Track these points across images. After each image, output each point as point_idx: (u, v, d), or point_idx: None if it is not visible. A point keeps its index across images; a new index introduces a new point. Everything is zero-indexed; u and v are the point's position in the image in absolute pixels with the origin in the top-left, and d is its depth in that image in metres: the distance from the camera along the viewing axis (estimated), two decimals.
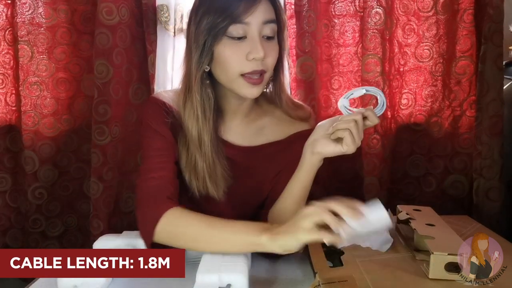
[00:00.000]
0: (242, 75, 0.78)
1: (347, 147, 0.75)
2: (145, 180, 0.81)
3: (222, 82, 0.82)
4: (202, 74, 0.81)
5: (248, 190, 0.89)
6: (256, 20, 0.76)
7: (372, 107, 0.78)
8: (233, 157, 0.87)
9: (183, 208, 0.77)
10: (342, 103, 0.79)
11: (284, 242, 0.67)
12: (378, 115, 0.78)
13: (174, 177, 0.83)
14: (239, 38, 0.77)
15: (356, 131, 0.74)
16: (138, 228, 0.80)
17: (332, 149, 0.77)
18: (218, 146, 0.84)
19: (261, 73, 0.78)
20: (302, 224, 0.65)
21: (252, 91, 0.79)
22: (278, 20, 0.81)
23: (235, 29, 0.77)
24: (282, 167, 0.89)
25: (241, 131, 0.89)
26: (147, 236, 0.77)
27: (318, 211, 0.65)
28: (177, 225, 0.76)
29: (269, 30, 0.78)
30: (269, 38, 0.79)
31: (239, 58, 0.77)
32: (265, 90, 0.87)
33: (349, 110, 0.78)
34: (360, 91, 0.81)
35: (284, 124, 0.91)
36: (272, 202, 0.87)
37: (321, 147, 0.78)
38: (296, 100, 0.95)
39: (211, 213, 0.86)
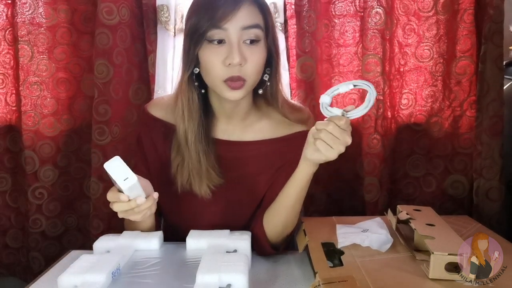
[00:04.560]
0: (224, 81, 0.79)
1: (325, 156, 0.72)
2: None
3: (208, 84, 0.84)
4: (189, 76, 0.83)
5: (241, 190, 0.89)
6: (234, 26, 0.77)
7: (353, 106, 0.72)
8: (225, 153, 0.88)
9: None
10: (323, 100, 0.72)
11: None
12: (363, 113, 0.71)
13: None
14: (219, 43, 0.78)
15: (330, 139, 0.70)
16: None
17: (316, 157, 0.73)
18: (207, 146, 0.86)
19: (239, 79, 0.78)
20: None
21: (234, 95, 0.80)
22: (265, 24, 0.81)
23: (214, 34, 0.78)
24: (277, 167, 0.89)
25: (236, 131, 0.90)
26: None
27: None
28: None
29: (250, 35, 0.78)
30: (252, 43, 0.79)
31: (218, 62, 0.78)
32: (260, 92, 0.87)
33: (328, 109, 0.72)
34: (347, 86, 0.72)
35: (282, 125, 0.91)
36: (269, 202, 0.86)
37: (309, 154, 0.74)
38: (294, 102, 0.95)
39: (193, 209, 0.89)
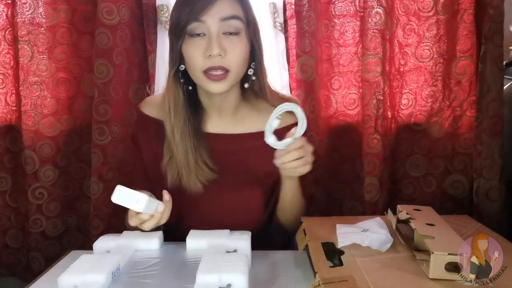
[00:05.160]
0: (204, 72, 0.80)
1: (296, 174, 0.81)
2: None
3: (193, 79, 0.85)
4: (175, 73, 0.85)
5: (241, 183, 0.90)
6: (212, 18, 0.79)
7: (293, 129, 0.77)
8: (219, 147, 0.89)
9: None
10: (268, 141, 0.79)
11: None
12: (302, 132, 0.77)
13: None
14: (199, 35, 0.80)
15: (293, 165, 0.77)
16: None
17: (290, 174, 0.82)
18: (196, 141, 0.87)
19: (222, 69, 0.80)
20: None
21: (216, 87, 0.81)
22: (246, 16, 0.83)
23: (193, 27, 0.80)
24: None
25: (228, 126, 0.92)
26: None
27: None
28: None
29: (229, 26, 0.80)
30: (231, 34, 0.81)
31: (198, 55, 0.80)
32: (246, 86, 0.90)
33: (278, 145, 0.78)
34: (276, 120, 0.78)
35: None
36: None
37: (284, 172, 0.82)
38: (282, 93, 0.97)
39: (185, 203, 0.90)
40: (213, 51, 0.78)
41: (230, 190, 0.90)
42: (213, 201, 0.89)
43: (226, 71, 0.81)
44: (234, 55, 0.81)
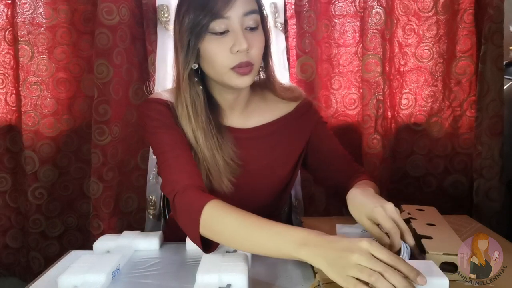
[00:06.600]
0: (232, 68, 0.79)
1: None
2: (172, 175, 0.78)
3: (212, 77, 0.83)
4: (189, 72, 0.82)
5: (261, 173, 0.90)
6: (236, 13, 0.77)
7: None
8: (239, 142, 0.87)
9: (220, 201, 0.73)
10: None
11: (322, 269, 0.59)
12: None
13: (195, 168, 0.81)
14: (222, 33, 0.78)
15: None
16: (180, 223, 0.75)
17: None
18: (221, 138, 0.85)
19: (248, 64, 0.79)
20: (348, 270, 0.56)
21: (243, 81, 0.80)
22: (260, 10, 0.83)
23: (216, 25, 0.78)
24: (296, 139, 0.92)
25: (240, 120, 0.90)
26: (194, 230, 0.72)
27: (372, 275, 0.54)
28: (216, 221, 0.70)
29: (251, 21, 0.79)
30: (252, 29, 0.80)
31: (224, 52, 0.78)
32: (257, 78, 0.89)
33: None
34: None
35: (281, 105, 0.93)
36: (332, 155, 0.94)
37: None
38: (285, 84, 0.97)
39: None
40: (242, 46, 0.77)
41: (251, 184, 0.89)
42: (242, 196, 0.86)
43: (251, 65, 0.80)
44: (257, 49, 0.80)
